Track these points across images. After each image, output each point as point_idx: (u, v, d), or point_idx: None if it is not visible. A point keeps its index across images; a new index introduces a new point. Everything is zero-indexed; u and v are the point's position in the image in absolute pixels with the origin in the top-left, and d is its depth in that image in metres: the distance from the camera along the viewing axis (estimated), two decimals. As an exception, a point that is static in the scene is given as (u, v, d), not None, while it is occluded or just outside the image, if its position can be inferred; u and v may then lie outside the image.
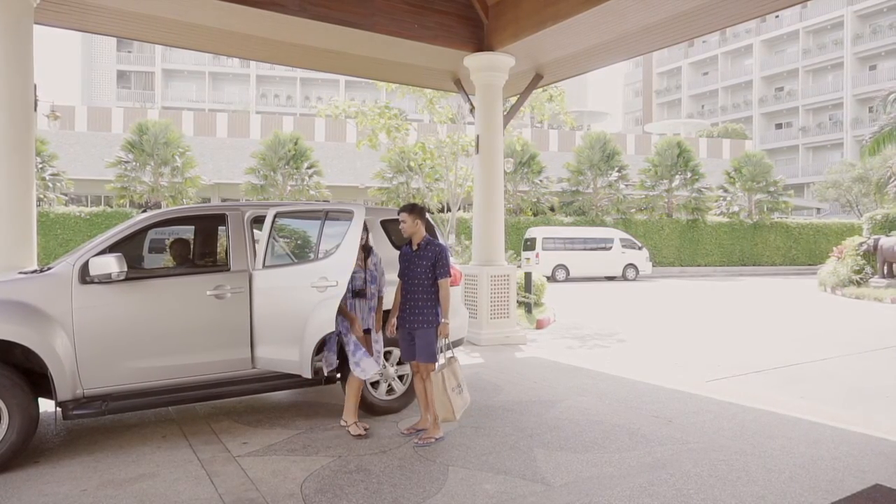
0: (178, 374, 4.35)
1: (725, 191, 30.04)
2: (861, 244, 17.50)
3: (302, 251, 5.17)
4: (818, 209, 43.17)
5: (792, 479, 3.77)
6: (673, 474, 3.81)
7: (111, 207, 23.29)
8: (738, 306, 14.14)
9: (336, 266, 4.32)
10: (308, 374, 4.40)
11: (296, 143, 25.29)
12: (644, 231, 27.12)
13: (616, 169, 28.04)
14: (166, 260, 6.24)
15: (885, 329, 10.31)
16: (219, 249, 5.74)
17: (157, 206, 23.31)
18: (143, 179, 23.66)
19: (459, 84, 9.93)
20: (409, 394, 5.16)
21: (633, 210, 28.54)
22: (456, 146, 14.66)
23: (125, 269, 4.08)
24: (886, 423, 4.89)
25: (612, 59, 9.17)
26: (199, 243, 5.49)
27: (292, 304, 4.50)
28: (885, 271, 16.56)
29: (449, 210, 16.04)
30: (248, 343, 4.56)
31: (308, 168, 25.51)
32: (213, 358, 4.45)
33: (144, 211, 5.04)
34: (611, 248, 22.99)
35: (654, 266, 24.79)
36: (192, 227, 5.62)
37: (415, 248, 4.48)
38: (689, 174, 28.34)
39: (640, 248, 23.62)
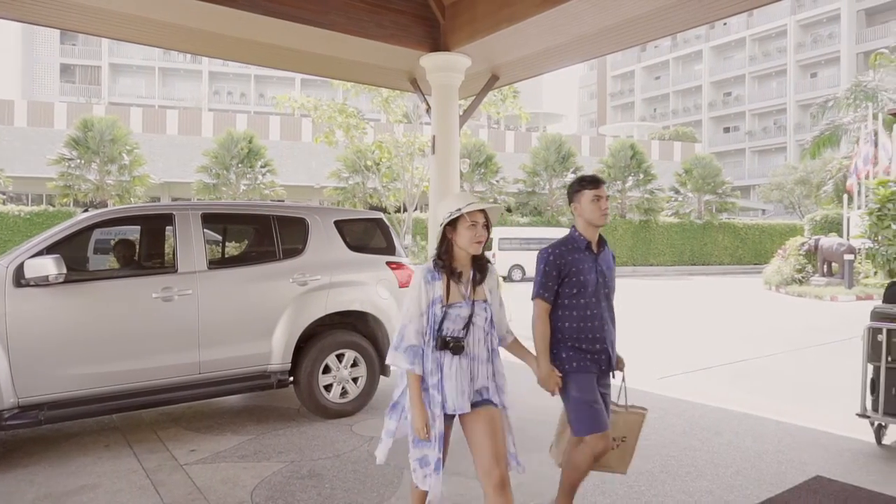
0: (122, 381, 4.18)
1: (676, 192, 30.84)
2: (803, 244, 18.22)
3: (261, 250, 5.10)
4: (763, 210, 44.77)
5: (738, 472, 3.87)
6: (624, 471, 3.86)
7: (53, 207, 22.37)
8: (688, 305, 14.53)
9: (315, 262, 4.82)
10: (284, 361, 4.70)
11: (250, 142, 24.79)
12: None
13: (571, 170, 28.44)
14: (111, 262, 6.00)
15: (825, 326, 10.74)
16: (167, 250, 5.57)
17: (104, 205, 22.51)
18: (88, 178, 22.78)
19: (416, 84, 9.88)
20: (363, 396, 5.10)
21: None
22: (412, 146, 14.62)
23: (64, 271, 3.90)
24: (826, 417, 5.08)
25: (567, 62, 9.27)
26: (146, 244, 5.30)
27: (260, 300, 4.67)
28: (825, 270, 17.27)
29: (405, 210, 16.00)
30: (197, 346, 4.42)
31: (262, 167, 25.04)
32: (159, 363, 4.30)
33: (86, 210, 4.84)
34: (566, 248, 23.29)
35: (608, 266, 25.25)
36: (138, 227, 5.43)
37: (596, 249, 2.99)
38: (641, 176, 28.98)
39: (594, 248, 24.01)
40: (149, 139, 28.44)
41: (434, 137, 9.01)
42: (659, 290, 18.90)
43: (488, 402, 2.58)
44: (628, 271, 27.50)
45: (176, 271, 4.44)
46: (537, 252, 3.00)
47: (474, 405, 2.55)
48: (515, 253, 22.52)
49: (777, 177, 38.79)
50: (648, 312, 13.03)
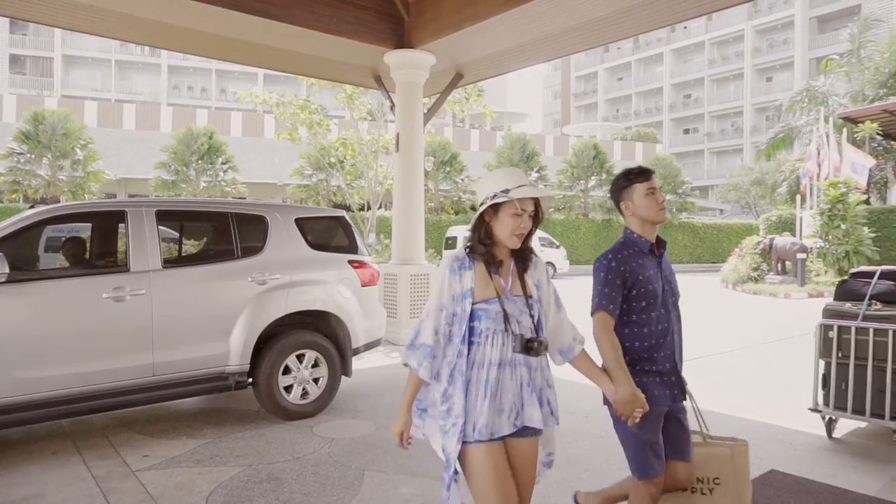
0: (71, 384, 4.01)
1: (637, 192, 31.38)
2: (758, 243, 18.71)
3: (219, 248, 4.97)
4: (721, 210, 45.92)
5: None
6: (587, 469, 3.89)
7: (2, 203, 21.52)
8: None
9: (275, 260, 4.77)
10: (242, 362, 4.57)
11: (210, 138, 24.28)
12: (562, 230, 27.91)
13: (535, 169, 28.69)
14: (61, 260, 5.78)
15: (780, 323, 11.04)
16: (120, 249, 5.38)
17: (55, 201, 21.74)
18: (39, 173, 21.98)
19: (380, 81, 9.80)
20: (325, 397, 5.02)
21: (551, 209, 29.30)
22: (376, 144, 14.51)
23: (6, 270, 3.73)
24: (781, 411, 5.20)
25: (531, 61, 9.32)
26: (97, 242, 5.11)
27: (218, 300, 4.55)
28: (779, 268, 17.79)
29: (369, 208, 15.87)
30: (151, 348, 4.27)
31: (223, 163, 24.55)
32: (110, 365, 4.14)
33: (32, 206, 4.63)
34: (530, 246, 23.48)
35: (571, 264, 25.53)
36: (89, 224, 5.23)
37: (657, 251, 2.57)
38: (604, 175, 29.40)
39: (557, 247, 24.27)
40: (104, 134, 27.61)
41: (398, 135, 8.95)
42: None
43: (533, 431, 2.15)
44: (591, 269, 27.88)
45: (128, 270, 4.28)
46: (597, 259, 2.57)
47: (516, 434, 2.11)
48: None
49: (734, 177, 39.87)
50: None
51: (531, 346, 2.07)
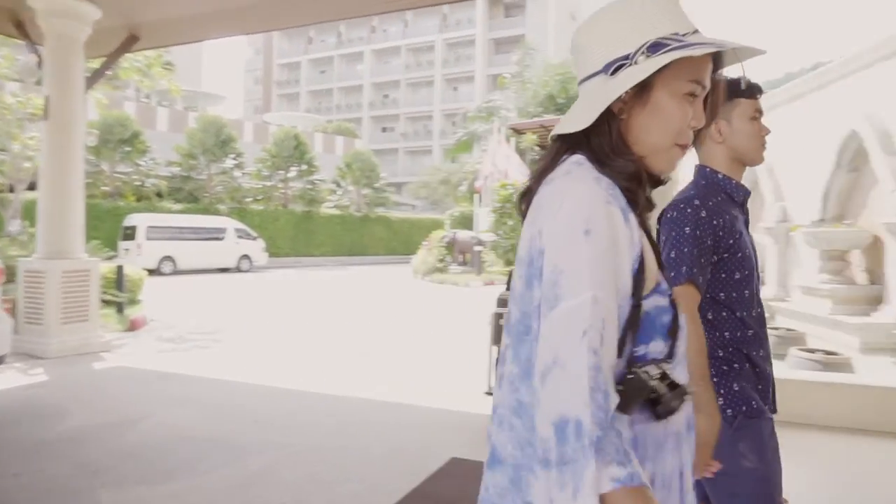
0: None
1: (338, 185, 31.90)
2: (444, 237, 20.59)
3: None
4: (413, 206, 49.66)
5: (385, 468, 3.83)
6: (267, 488, 3.48)
7: None
8: (344, 295, 14.96)
9: None
10: None
11: None
12: (260, 221, 26.80)
13: (232, 156, 27.00)
14: None
15: (462, 311, 12.13)
16: None
17: None
18: None
19: (22, 28, 7.87)
20: None
21: (248, 199, 27.92)
22: (24, 110, 11.82)
23: None
24: (461, 398, 5.45)
25: (218, 32, 8.52)
26: None
27: None
28: (460, 260, 19.82)
29: (13, 190, 12.88)
30: None
31: None
32: None
33: None
34: (224, 238, 22.00)
35: (269, 257, 24.67)
36: None
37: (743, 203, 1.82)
38: (304, 166, 29.14)
39: (255, 239, 23.21)
40: None
41: (48, 99, 7.29)
42: (319, 281, 19.15)
43: None
44: (290, 262, 27.39)
45: None
46: (667, 211, 1.67)
47: None
48: (166, 243, 20.29)
49: (425, 176, 43.42)
50: (306, 304, 13.00)
51: (670, 402, 0.93)
